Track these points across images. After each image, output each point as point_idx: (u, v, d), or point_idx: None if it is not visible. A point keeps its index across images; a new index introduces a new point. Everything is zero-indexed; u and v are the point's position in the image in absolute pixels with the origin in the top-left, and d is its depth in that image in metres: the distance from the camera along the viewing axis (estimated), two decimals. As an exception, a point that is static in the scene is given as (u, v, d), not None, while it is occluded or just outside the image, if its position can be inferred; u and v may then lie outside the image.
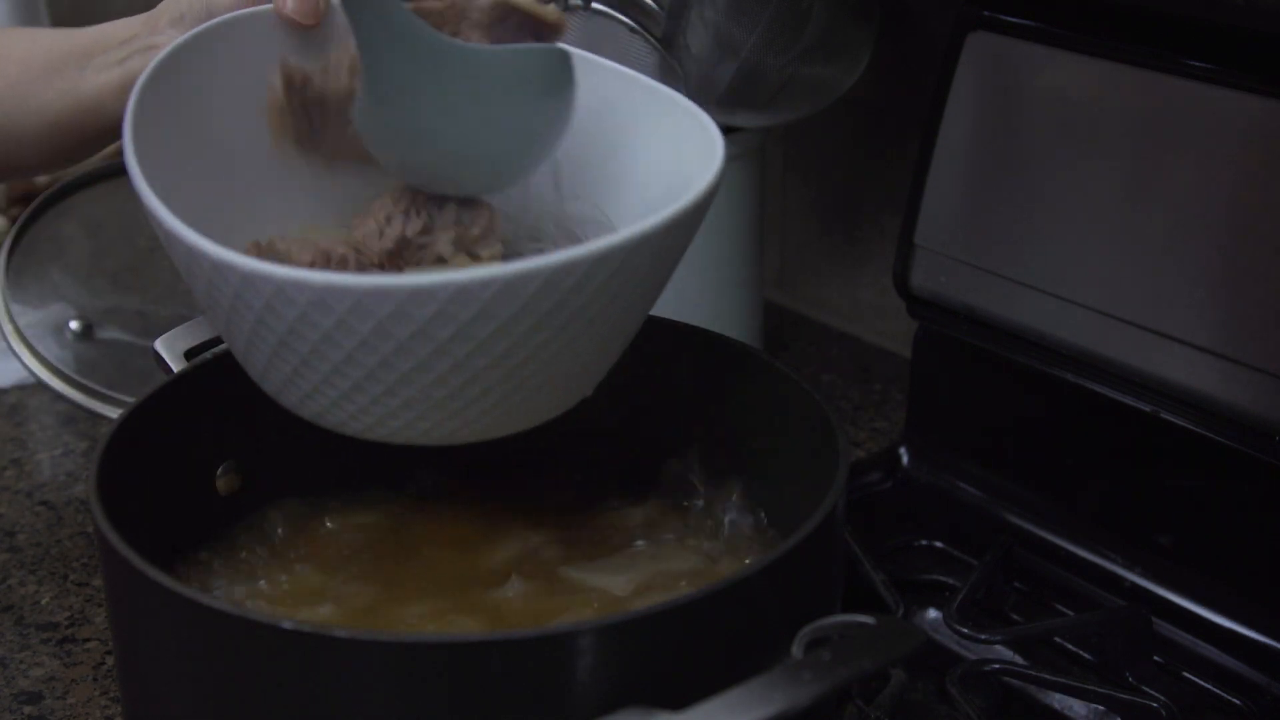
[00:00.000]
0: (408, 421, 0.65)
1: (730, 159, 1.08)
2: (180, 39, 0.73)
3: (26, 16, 1.59)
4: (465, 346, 0.60)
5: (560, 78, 0.70)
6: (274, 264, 0.62)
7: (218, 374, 0.77)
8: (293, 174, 0.76)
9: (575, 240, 0.75)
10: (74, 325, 1.15)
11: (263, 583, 0.75)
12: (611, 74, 0.76)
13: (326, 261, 0.71)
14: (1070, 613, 0.88)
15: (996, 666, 0.82)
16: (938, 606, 0.88)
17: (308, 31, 0.75)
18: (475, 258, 0.71)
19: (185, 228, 0.62)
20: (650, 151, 0.73)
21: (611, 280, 0.61)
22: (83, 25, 0.85)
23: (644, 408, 0.82)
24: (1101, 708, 0.81)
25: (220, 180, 0.73)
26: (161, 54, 0.71)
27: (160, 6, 0.81)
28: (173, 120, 0.71)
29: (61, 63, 0.82)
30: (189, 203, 0.65)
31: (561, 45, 0.70)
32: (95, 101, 0.81)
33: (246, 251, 0.70)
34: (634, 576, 0.74)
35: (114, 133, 0.79)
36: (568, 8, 0.99)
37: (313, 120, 0.75)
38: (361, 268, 0.71)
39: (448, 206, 0.71)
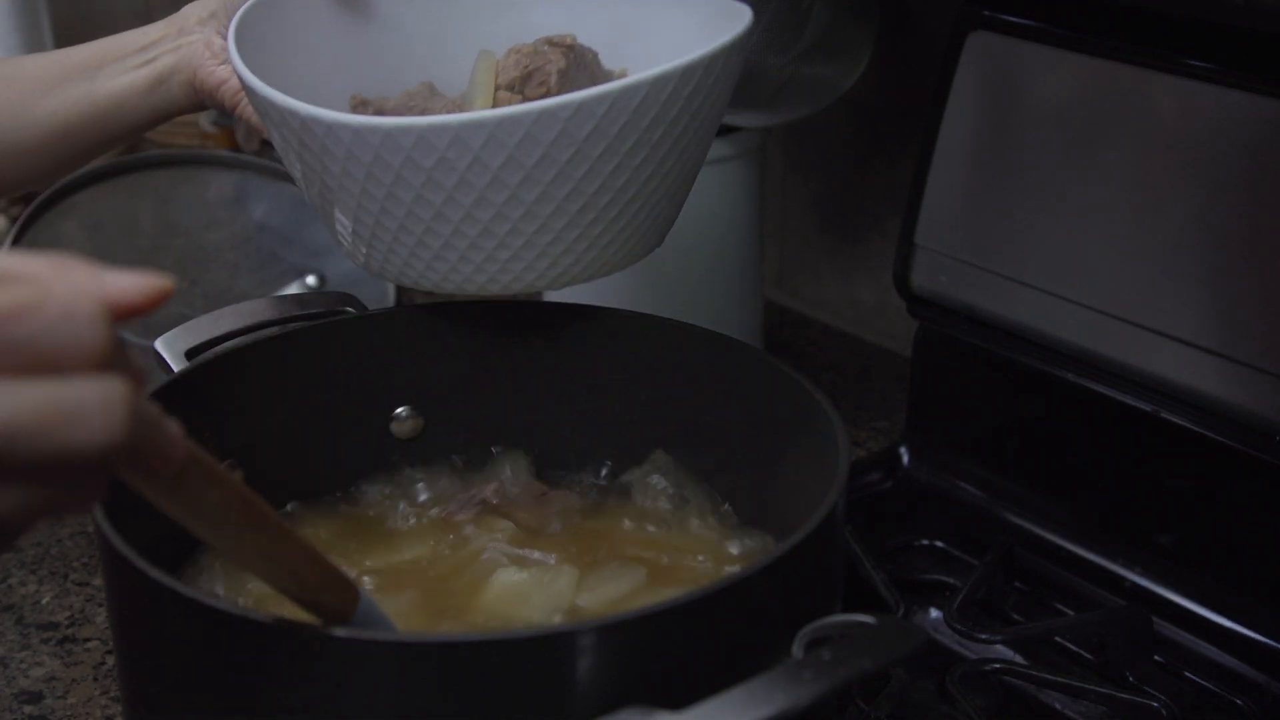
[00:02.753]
0: (504, 264, 0.74)
1: (730, 159, 1.10)
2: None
3: (27, 16, 1.59)
4: (549, 172, 0.70)
5: None
6: (415, 116, 0.72)
7: (218, 374, 0.77)
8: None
9: None
10: (74, 325, 1.14)
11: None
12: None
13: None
14: (1071, 612, 0.88)
15: (997, 666, 0.82)
16: (938, 606, 0.88)
17: None
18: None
19: (344, 116, 0.71)
20: (687, 44, 0.78)
21: (670, 102, 0.71)
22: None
23: (644, 406, 0.82)
24: (1102, 707, 0.81)
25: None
26: (245, 6, 0.79)
27: (185, 10, 0.88)
28: (258, 62, 0.77)
29: (63, 77, 0.86)
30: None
31: None
32: (115, 104, 0.86)
33: (351, 104, 0.82)
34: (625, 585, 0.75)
35: (131, 133, 0.85)
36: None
37: None
38: None
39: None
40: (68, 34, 1.56)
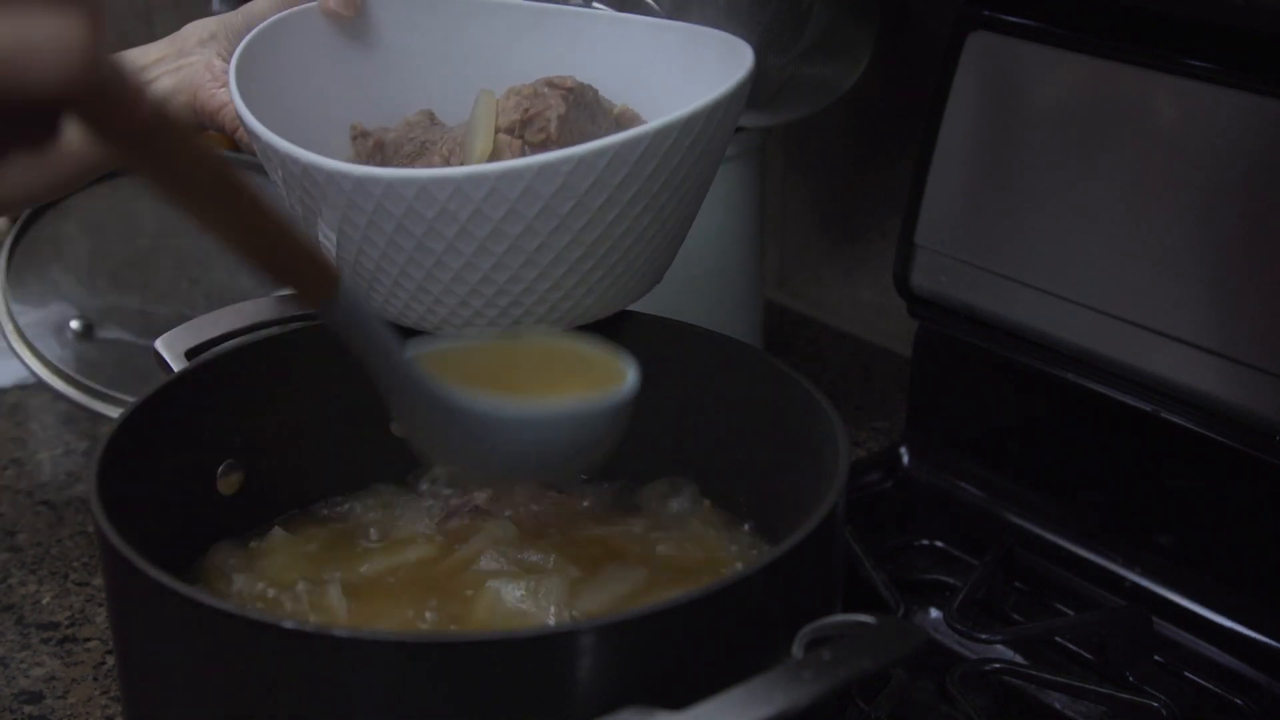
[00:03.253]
0: (503, 310, 0.74)
1: (730, 159, 1.10)
2: (255, 30, 0.80)
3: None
4: (549, 223, 0.70)
5: (611, 420, 0.66)
6: (414, 169, 0.73)
7: (218, 373, 0.77)
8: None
9: None
10: (74, 325, 1.15)
11: (263, 582, 0.75)
12: (637, 26, 0.85)
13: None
14: (1071, 612, 0.88)
15: (997, 666, 0.82)
16: (938, 606, 0.88)
17: (348, 21, 0.84)
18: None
19: (332, 161, 0.70)
20: (690, 78, 0.79)
21: (672, 152, 0.71)
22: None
23: (643, 407, 0.82)
24: (1102, 707, 0.81)
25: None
26: (247, 39, 0.79)
27: (185, 30, 0.88)
28: (260, 93, 0.77)
29: None
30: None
31: (610, 398, 0.66)
32: None
33: (352, 134, 0.82)
34: (627, 586, 0.75)
35: None
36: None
37: (374, 160, 0.82)
38: None
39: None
40: (68, 34, 1.56)
